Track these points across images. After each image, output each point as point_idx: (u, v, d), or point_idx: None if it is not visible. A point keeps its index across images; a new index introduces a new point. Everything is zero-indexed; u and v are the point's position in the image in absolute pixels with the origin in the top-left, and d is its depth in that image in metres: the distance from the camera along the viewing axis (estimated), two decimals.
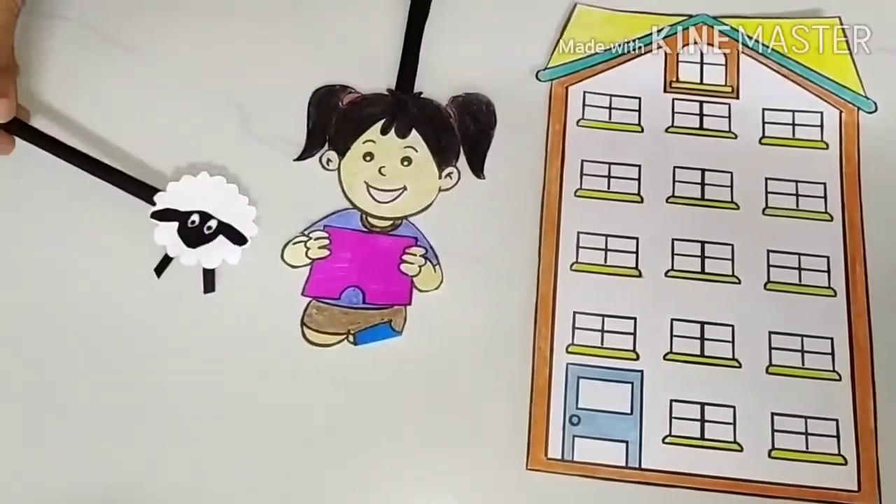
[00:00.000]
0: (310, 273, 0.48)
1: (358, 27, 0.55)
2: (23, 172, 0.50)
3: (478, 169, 0.51)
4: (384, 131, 0.51)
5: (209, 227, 0.48)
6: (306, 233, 0.49)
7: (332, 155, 0.51)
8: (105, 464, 0.45)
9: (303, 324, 0.47)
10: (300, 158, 0.51)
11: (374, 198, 0.50)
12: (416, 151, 0.51)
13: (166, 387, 0.46)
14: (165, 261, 0.48)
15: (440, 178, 0.51)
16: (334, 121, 0.52)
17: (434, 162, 0.51)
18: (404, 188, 0.50)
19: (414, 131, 0.51)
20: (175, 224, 0.48)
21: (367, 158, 0.51)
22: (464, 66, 0.53)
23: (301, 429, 0.45)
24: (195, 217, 0.48)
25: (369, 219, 0.50)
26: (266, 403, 0.46)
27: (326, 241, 0.49)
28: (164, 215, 0.48)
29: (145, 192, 0.48)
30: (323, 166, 0.51)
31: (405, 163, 0.51)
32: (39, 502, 0.45)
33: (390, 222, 0.50)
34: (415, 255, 0.48)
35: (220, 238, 0.48)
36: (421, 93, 0.52)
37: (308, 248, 0.49)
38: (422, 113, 0.52)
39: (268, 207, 0.49)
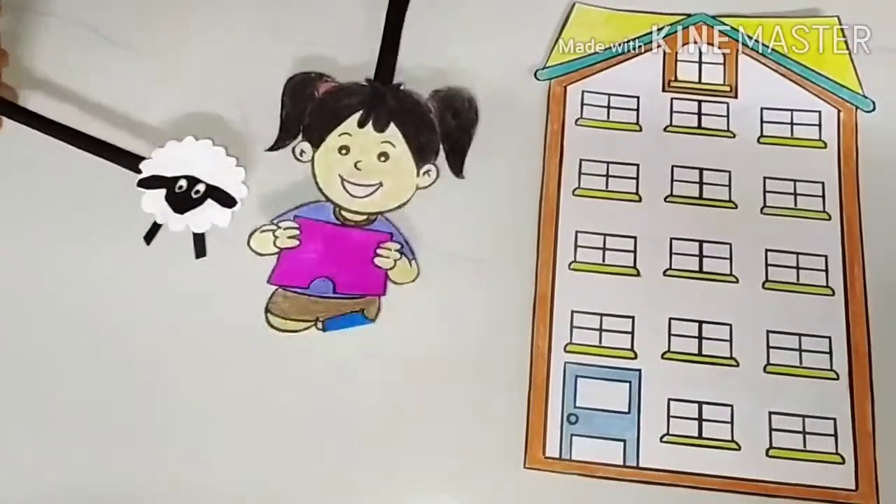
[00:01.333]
0: (277, 262, 0.48)
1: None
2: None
3: (457, 168, 0.50)
4: (361, 124, 0.50)
5: (197, 192, 0.47)
6: (275, 222, 0.48)
7: (306, 146, 0.50)
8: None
9: (267, 310, 0.47)
10: (273, 148, 0.50)
11: (349, 192, 0.49)
12: (394, 147, 0.50)
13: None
14: (154, 228, 0.47)
15: (418, 175, 0.50)
16: (309, 110, 0.51)
17: (412, 158, 0.50)
18: (380, 184, 0.49)
19: (392, 125, 0.50)
20: (163, 191, 0.47)
21: (343, 152, 0.50)
22: (463, 65, 0.53)
23: (287, 426, 0.46)
24: (182, 182, 0.47)
25: (343, 212, 0.49)
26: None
27: (296, 232, 0.48)
28: (151, 183, 0.47)
29: (130, 160, 0.47)
30: (296, 157, 0.50)
31: (382, 158, 0.50)
32: (40, 502, 0.45)
33: (365, 217, 0.49)
34: (389, 249, 0.48)
35: (209, 202, 0.47)
36: (401, 84, 0.51)
37: (276, 238, 0.48)
38: (401, 106, 0.51)
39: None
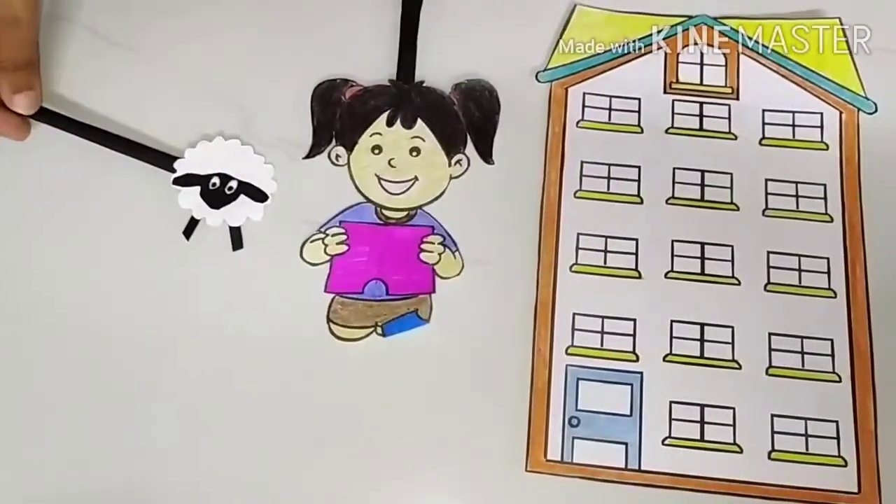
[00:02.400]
0: (330, 269, 0.48)
1: (351, 18, 0.55)
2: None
3: (486, 154, 0.51)
4: (390, 123, 0.51)
5: (230, 188, 0.49)
6: (322, 230, 0.49)
7: (341, 150, 0.51)
8: (118, 463, 0.45)
9: (329, 320, 0.47)
10: (309, 156, 0.51)
11: (386, 190, 0.50)
12: (424, 141, 0.51)
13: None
14: (192, 223, 0.49)
15: (450, 165, 0.51)
16: (338, 115, 0.52)
17: (442, 150, 0.51)
18: (416, 178, 0.50)
19: (419, 121, 0.52)
20: (197, 188, 0.49)
21: (376, 151, 0.51)
22: (463, 66, 0.53)
23: (285, 428, 0.46)
24: (215, 179, 0.49)
25: (384, 211, 0.50)
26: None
27: (344, 237, 0.49)
28: (186, 181, 0.49)
29: (165, 160, 0.49)
30: (332, 162, 0.51)
31: (414, 153, 0.51)
32: (40, 502, 0.45)
33: (405, 213, 0.50)
34: (433, 242, 0.49)
35: (242, 197, 0.49)
36: (423, 82, 0.52)
37: (326, 245, 0.49)
38: (425, 102, 0.52)
39: (280, 208, 0.50)
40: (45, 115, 0.50)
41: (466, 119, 0.52)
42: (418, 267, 0.48)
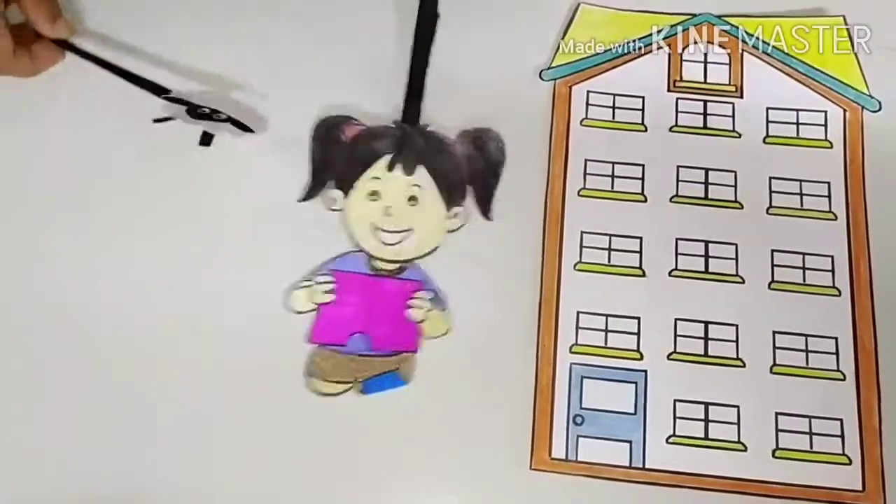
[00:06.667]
0: (315, 318, 0.47)
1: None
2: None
3: (486, 209, 0.49)
4: (390, 167, 0.49)
5: (219, 116, 0.49)
6: (311, 277, 0.48)
7: (337, 194, 0.49)
8: (119, 463, 0.45)
9: (309, 372, 0.46)
10: (305, 199, 0.49)
11: (380, 240, 0.48)
12: (423, 189, 0.49)
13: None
14: (207, 136, 0.50)
15: (447, 218, 0.49)
16: (338, 156, 0.50)
17: (441, 201, 0.49)
18: (411, 229, 0.49)
19: (421, 167, 0.50)
20: (184, 107, 0.49)
21: (373, 197, 0.49)
22: (468, 65, 0.53)
23: (304, 426, 0.45)
24: (206, 109, 0.49)
25: (375, 262, 0.48)
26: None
27: (332, 286, 0.47)
28: (176, 101, 0.50)
29: (158, 89, 0.50)
30: (328, 206, 0.49)
31: (412, 202, 0.49)
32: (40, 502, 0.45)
33: (397, 265, 0.48)
34: (421, 299, 0.47)
35: (228, 125, 0.49)
36: (428, 125, 0.50)
37: (314, 293, 0.47)
38: (429, 148, 0.50)
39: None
40: (68, 44, 0.51)
41: (470, 169, 0.50)
42: (404, 323, 0.47)
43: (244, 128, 0.49)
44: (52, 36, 0.50)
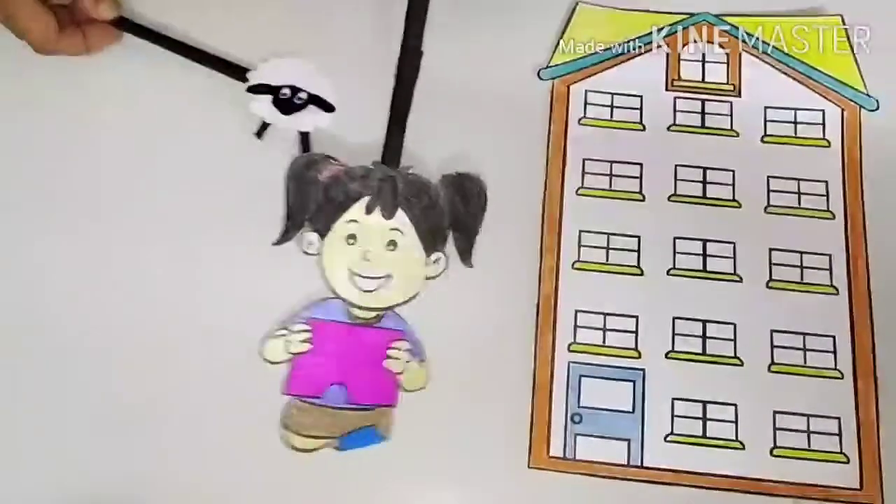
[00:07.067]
0: (291, 369, 0.46)
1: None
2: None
3: (466, 255, 0.48)
4: (369, 210, 0.47)
5: (300, 98, 0.51)
6: (286, 326, 0.46)
7: (313, 237, 0.47)
8: (119, 463, 0.45)
9: (284, 425, 0.45)
10: (279, 242, 0.48)
11: (357, 286, 0.47)
12: (403, 234, 0.47)
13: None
14: (263, 126, 0.51)
15: (427, 264, 0.47)
16: (314, 197, 0.48)
17: (421, 246, 0.47)
18: (389, 276, 0.47)
19: (400, 211, 0.48)
20: (269, 97, 0.51)
21: (351, 241, 0.47)
22: (466, 64, 0.53)
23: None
24: (286, 90, 0.51)
25: (353, 309, 0.47)
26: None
27: (308, 335, 0.46)
28: (258, 90, 0.51)
29: (237, 70, 0.51)
30: (303, 250, 0.47)
31: (391, 246, 0.47)
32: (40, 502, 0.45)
33: (375, 314, 0.47)
34: (399, 349, 0.46)
35: (311, 106, 0.51)
36: (410, 168, 0.49)
37: (289, 343, 0.46)
38: (409, 191, 0.48)
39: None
40: (125, 24, 0.52)
41: (451, 214, 0.48)
42: (382, 375, 0.45)
43: (327, 106, 0.51)
44: (96, 17, 0.50)
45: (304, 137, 0.50)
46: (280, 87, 0.51)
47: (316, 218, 0.48)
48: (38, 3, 0.48)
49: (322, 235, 0.48)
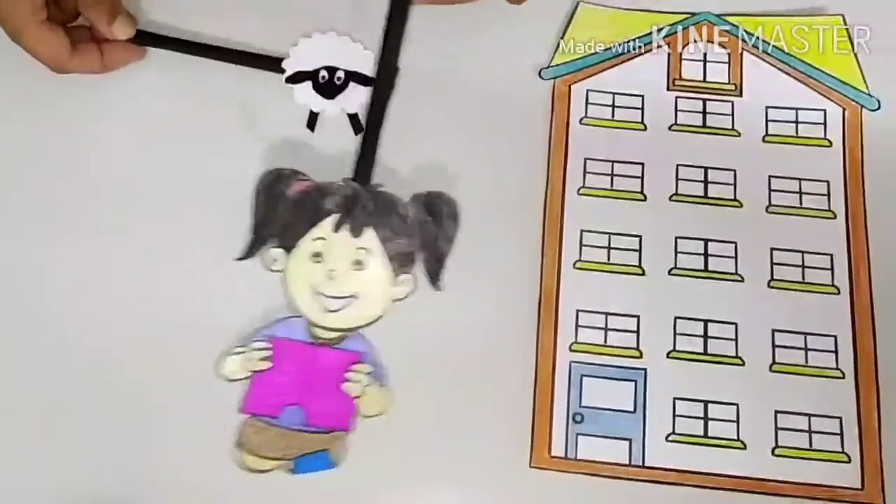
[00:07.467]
0: (249, 387, 0.45)
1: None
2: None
3: (435, 277, 0.47)
4: (337, 228, 0.47)
5: (339, 78, 0.50)
6: (246, 343, 0.45)
7: (278, 253, 0.47)
8: (119, 463, 0.45)
9: (239, 444, 0.44)
10: (243, 258, 0.47)
11: (321, 305, 0.46)
12: (370, 253, 0.46)
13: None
14: (313, 117, 0.50)
15: (394, 285, 0.47)
16: (281, 212, 0.47)
17: (389, 267, 0.47)
18: (355, 296, 0.46)
19: (369, 230, 0.47)
20: (309, 83, 0.50)
21: (317, 259, 0.46)
22: (467, 63, 0.53)
23: None
24: (324, 72, 0.50)
25: (314, 328, 0.46)
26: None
27: (268, 353, 0.45)
28: (296, 78, 0.50)
29: (272, 63, 0.50)
30: (267, 267, 0.47)
31: (357, 266, 0.46)
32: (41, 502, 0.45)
33: (337, 334, 0.46)
34: (359, 372, 0.45)
35: (351, 84, 0.50)
36: (380, 186, 0.48)
37: (248, 360, 0.45)
38: (379, 209, 0.47)
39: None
40: (145, 38, 0.51)
41: (421, 235, 0.47)
42: (340, 398, 0.44)
43: (365, 80, 0.50)
44: (111, 38, 0.49)
45: (356, 118, 0.49)
46: (317, 71, 0.50)
47: (282, 234, 0.47)
48: (43, 26, 0.47)
49: (287, 251, 0.47)
